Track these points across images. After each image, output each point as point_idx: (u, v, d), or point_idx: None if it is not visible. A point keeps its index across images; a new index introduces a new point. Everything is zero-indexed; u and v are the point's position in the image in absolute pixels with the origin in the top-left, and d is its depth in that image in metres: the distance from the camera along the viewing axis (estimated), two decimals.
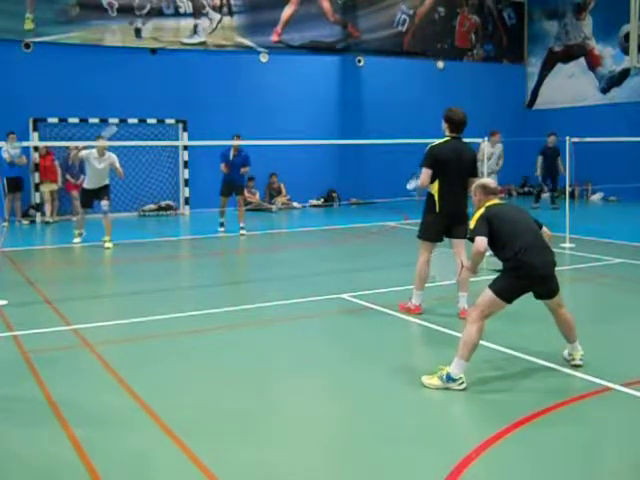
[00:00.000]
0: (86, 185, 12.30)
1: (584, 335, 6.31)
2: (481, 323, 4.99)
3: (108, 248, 11.94)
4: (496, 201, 5.36)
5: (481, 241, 5.04)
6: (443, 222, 6.97)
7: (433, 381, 5.00)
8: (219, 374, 5.50)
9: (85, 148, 12.47)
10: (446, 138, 7.01)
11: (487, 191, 5.38)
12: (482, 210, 5.23)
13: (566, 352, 5.48)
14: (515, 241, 5.03)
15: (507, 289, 5.03)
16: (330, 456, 4.11)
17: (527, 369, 5.44)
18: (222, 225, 13.84)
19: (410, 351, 6.36)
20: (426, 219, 7.10)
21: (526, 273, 5.00)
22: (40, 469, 3.92)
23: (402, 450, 4.16)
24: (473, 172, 7.05)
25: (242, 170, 13.57)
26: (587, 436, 4.31)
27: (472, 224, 5.18)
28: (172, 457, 4.01)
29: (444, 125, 7.03)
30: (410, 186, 7.18)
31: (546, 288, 5.18)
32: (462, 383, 4.93)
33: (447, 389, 4.91)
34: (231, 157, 13.47)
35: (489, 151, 14.55)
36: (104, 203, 12.12)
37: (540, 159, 17.65)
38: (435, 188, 6.92)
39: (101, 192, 12.14)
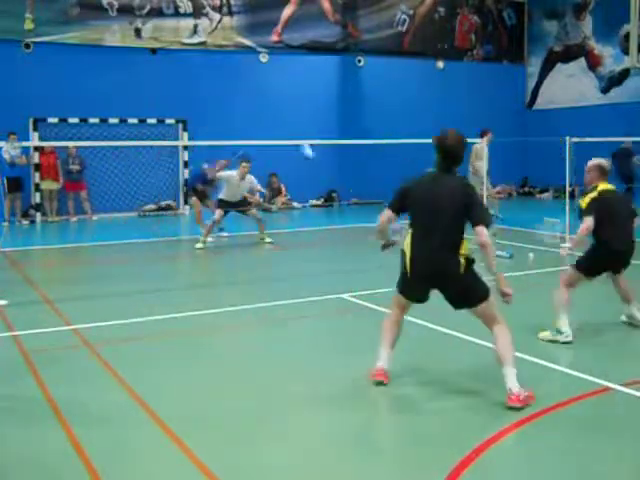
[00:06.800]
0: (223, 196, 12.24)
1: (584, 335, 6.31)
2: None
3: (270, 242, 12.35)
4: (608, 187, 6.26)
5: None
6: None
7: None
8: (219, 373, 5.50)
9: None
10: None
11: (603, 172, 6.27)
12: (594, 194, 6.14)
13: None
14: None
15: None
16: (329, 455, 4.10)
17: (527, 369, 5.44)
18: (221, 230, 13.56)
19: (410, 351, 6.35)
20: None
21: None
22: (40, 468, 3.92)
23: (402, 450, 4.16)
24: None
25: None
26: (587, 436, 4.30)
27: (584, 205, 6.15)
28: (171, 456, 4.01)
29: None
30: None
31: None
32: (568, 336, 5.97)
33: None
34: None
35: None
36: (253, 213, 12.42)
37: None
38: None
39: (242, 205, 12.26)
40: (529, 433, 4.29)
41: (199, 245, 11.89)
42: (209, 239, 12.20)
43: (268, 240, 12.42)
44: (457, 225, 4.74)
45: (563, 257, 6.84)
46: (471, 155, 14.84)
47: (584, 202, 6.22)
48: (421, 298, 5.04)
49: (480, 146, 14.35)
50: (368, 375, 5.09)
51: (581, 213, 6.24)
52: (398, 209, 5.02)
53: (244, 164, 12.01)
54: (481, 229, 4.64)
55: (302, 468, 3.92)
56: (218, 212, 12.12)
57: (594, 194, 6.20)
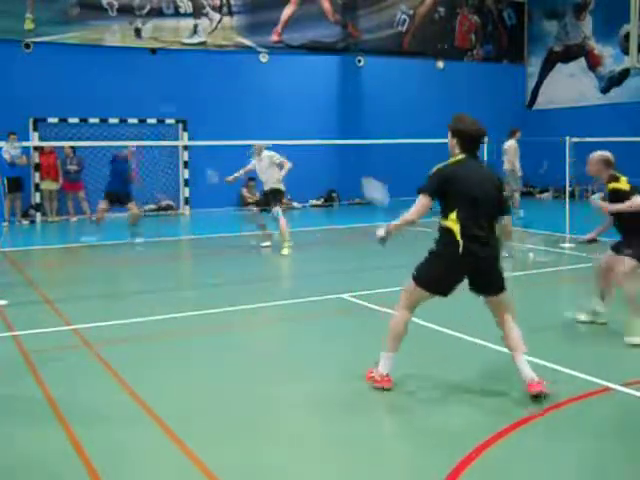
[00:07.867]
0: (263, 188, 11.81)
1: (585, 335, 6.31)
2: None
3: (283, 255, 11.25)
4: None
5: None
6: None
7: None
8: (218, 374, 5.50)
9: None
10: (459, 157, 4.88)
11: (609, 163, 6.39)
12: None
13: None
14: None
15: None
16: (329, 455, 4.10)
17: None
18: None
19: (411, 352, 6.36)
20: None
21: None
22: (39, 468, 3.92)
23: (402, 450, 4.16)
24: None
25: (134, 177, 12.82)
26: (587, 436, 4.30)
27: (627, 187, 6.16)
28: (171, 456, 4.01)
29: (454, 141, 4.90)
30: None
31: None
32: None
33: None
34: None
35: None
36: (274, 210, 11.52)
37: None
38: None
39: (272, 197, 11.54)
40: (529, 433, 4.29)
41: (285, 252, 11.22)
42: (267, 243, 11.88)
43: (285, 252, 11.26)
44: (497, 210, 4.89)
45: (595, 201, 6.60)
46: (508, 153, 15.33)
47: (621, 185, 6.25)
48: (451, 289, 4.88)
49: (515, 145, 15.16)
50: (374, 380, 5.03)
51: (624, 194, 6.21)
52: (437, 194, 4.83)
53: (255, 145, 11.53)
54: (509, 218, 5.08)
55: (301, 468, 3.92)
56: (255, 209, 11.64)
57: (622, 180, 6.29)
